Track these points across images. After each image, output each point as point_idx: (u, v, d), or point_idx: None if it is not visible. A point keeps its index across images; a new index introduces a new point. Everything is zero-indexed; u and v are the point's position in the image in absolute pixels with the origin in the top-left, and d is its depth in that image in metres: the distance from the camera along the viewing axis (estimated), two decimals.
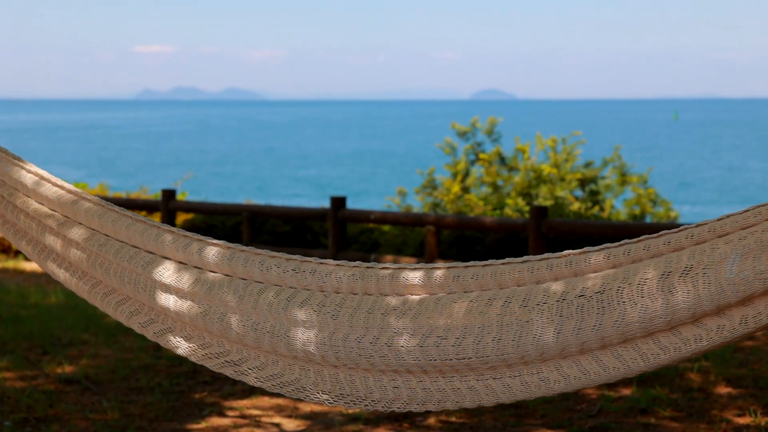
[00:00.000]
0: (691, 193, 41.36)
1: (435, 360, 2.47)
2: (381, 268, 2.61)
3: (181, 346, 2.85)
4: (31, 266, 12.12)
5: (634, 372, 2.37)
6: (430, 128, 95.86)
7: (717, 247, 2.25)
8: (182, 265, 2.82)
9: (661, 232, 2.39)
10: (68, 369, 6.01)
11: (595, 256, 2.43)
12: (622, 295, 2.31)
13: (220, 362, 2.80)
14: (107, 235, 2.96)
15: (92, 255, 2.97)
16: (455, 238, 10.47)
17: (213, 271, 2.78)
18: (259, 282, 2.72)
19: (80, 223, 3.02)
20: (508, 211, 12.31)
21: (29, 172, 3.15)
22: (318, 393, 2.66)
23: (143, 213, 13.20)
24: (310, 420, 5.04)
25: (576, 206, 13.80)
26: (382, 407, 2.59)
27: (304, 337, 2.59)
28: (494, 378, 2.48)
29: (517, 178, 15.16)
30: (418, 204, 16.43)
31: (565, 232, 8.51)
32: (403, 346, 2.49)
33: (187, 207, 11.74)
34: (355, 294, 2.61)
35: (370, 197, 37.06)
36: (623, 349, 2.37)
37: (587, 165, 16.18)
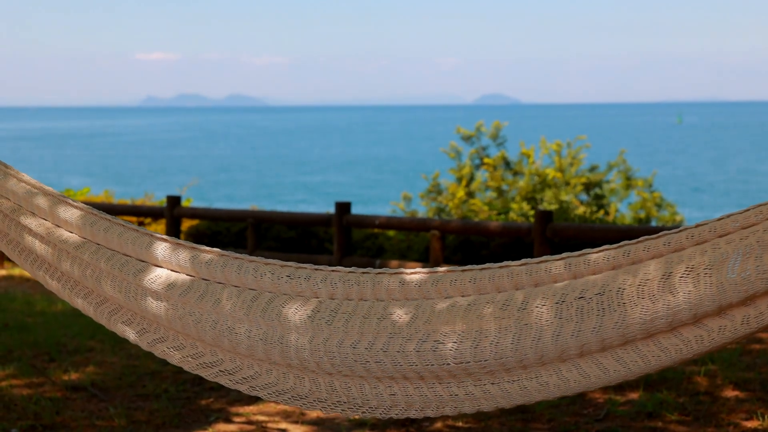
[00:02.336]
0: (701, 198, 41.21)
1: (432, 365, 2.44)
2: (376, 273, 2.58)
3: (174, 355, 2.81)
4: None
5: (635, 374, 2.34)
6: (435, 133, 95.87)
7: (718, 247, 2.23)
8: (174, 273, 2.78)
9: (660, 233, 2.36)
10: (75, 376, 6.01)
11: (594, 257, 2.40)
12: (623, 296, 2.28)
13: (214, 372, 2.76)
14: (98, 244, 2.93)
15: (83, 264, 2.94)
16: (460, 242, 10.47)
17: (206, 279, 2.75)
18: (252, 289, 2.67)
19: (71, 232, 2.99)
20: (513, 215, 12.30)
21: (21, 181, 3.12)
22: (314, 401, 2.63)
23: (148, 220, 13.22)
24: (316, 426, 5.03)
25: (581, 210, 13.80)
26: (380, 414, 2.56)
27: (297, 343, 2.55)
28: (492, 383, 2.45)
29: (522, 183, 15.16)
30: (422, 209, 16.43)
31: (570, 236, 8.50)
32: (399, 351, 2.45)
33: (192, 213, 11.75)
34: (350, 300, 2.58)
35: (374, 203, 37.05)
36: (623, 351, 2.34)
37: (592, 169, 16.18)
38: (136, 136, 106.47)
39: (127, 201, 15.21)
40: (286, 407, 5.30)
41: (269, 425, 5.06)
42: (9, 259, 13.14)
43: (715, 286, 2.19)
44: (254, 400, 5.45)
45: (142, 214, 12.46)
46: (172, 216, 11.55)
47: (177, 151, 78.57)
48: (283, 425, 5.05)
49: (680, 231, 2.33)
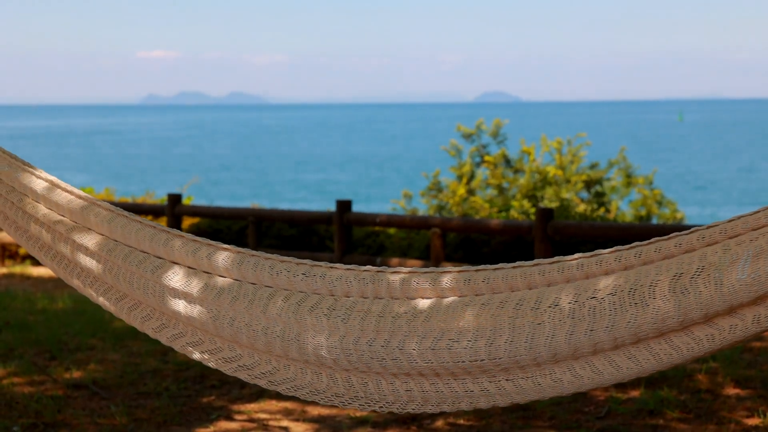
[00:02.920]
0: (702, 195, 41.18)
1: (447, 362, 2.47)
2: (391, 272, 2.61)
3: (194, 351, 2.86)
4: (38, 272, 12.15)
5: (648, 371, 2.38)
6: (435, 131, 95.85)
7: (728, 249, 2.26)
8: (191, 270, 2.82)
9: (671, 234, 2.39)
10: (76, 374, 6.02)
11: (606, 258, 2.43)
12: (634, 297, 2.31)
13: (233, 367, 2.80)
14: (116, 241, 2.96)
15: (102, 260, 2.97)
16: (461, 240, 10.47)
17: (222, 276, 2.78)
18: (268, 286, 2.71)
19: (90, 229, 3.02)
20: (513, 213, 12.30)
21: (39, 177, 3.15)
22: (332, 396, 2.67)
23: (149, 217, 13.22)
24: (318, 423, 5.04)
25: (582, 208, 13.80)
26: (397, 409, 2.61)
27: (314, 341, 2.59)
28: (507, 379, 2.49)
29: (523, 180, 15.15)
30: (423, 207, 16.43)
31: (570, 234, 8.50)
32: (414, 349, 2.49)
33: (193, 211, 11.76)
34: (365, 298, 2.61)
35: (375, 201, 37.06)
36: (636, 349, 2.37)
37: (592, 166, 16.18)
38: (137, 134, 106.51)
39: (128, 199, 15.22)
40: (288, 404, 5.31)
41: (271, 423, 5.06)
42: (10, 257, 13.14)
43: (726, 287, 2.21)
44: (256, 398, 5.46)
45: (143, 212, 12.46)
46: (173, 214, 11.56)
47: (178, 149, 78.59)
48: (284, 423, 5.05)
49: (691, 232, 2.37)
